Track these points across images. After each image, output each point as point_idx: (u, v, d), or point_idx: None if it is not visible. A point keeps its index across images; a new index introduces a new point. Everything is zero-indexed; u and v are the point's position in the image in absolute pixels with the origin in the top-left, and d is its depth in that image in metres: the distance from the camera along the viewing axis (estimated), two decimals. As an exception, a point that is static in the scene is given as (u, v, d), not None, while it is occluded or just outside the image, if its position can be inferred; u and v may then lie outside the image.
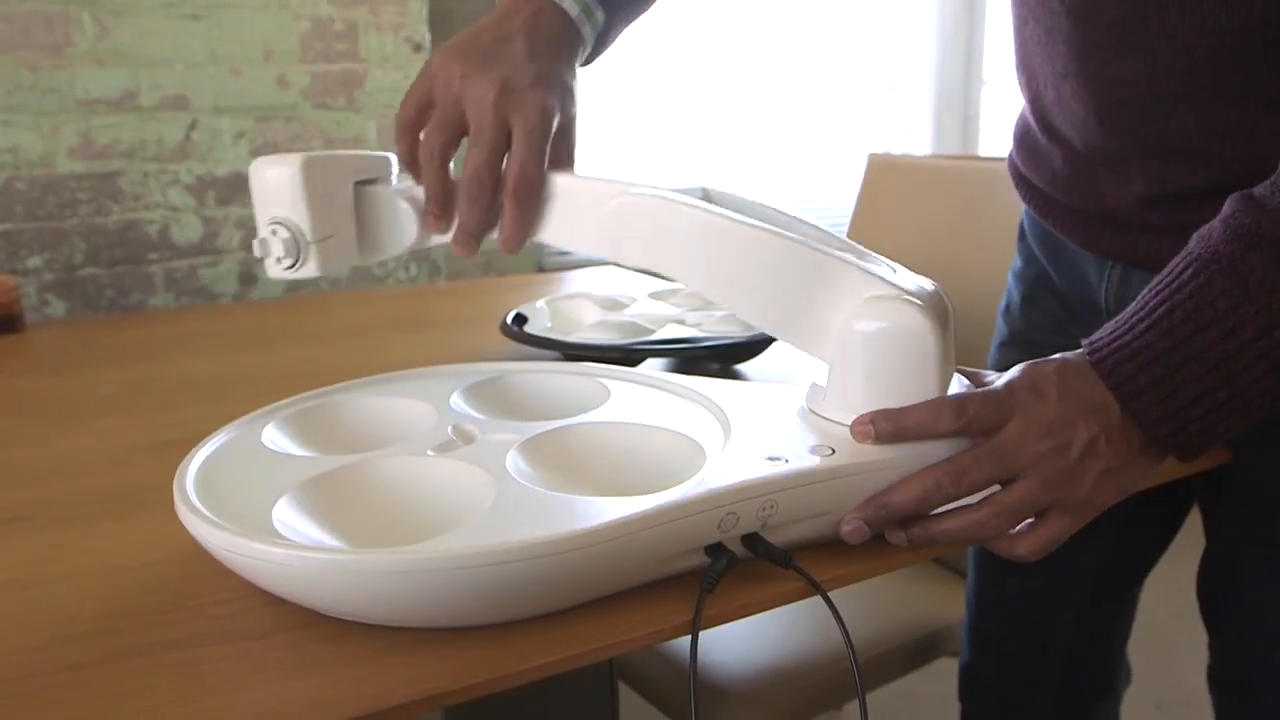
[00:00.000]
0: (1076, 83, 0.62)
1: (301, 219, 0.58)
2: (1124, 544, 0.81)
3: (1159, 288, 0.50)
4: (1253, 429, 0.52)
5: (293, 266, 0.59)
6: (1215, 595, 0.71)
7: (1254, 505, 0.66)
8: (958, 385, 0.52)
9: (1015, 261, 0.82)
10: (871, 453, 0.48)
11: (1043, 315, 0.79)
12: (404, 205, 0.60)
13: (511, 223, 0.56)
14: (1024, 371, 0.50)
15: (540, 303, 0.98)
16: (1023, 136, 0.74)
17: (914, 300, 0.49)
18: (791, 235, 0.51)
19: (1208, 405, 0.48)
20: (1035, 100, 0.69)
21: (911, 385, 0.49)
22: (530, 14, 0.58)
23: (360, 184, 0.60)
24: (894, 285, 0.50)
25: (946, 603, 1.05)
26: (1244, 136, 0.57)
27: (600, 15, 0.62)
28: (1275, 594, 0.65)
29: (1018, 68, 0.69)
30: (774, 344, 0.85)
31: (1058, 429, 0.48)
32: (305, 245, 0.58)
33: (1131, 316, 0.50)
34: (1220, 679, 0.72)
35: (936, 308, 0.50)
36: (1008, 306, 0.83)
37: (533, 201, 0.56)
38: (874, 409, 0.49)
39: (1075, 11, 0.59)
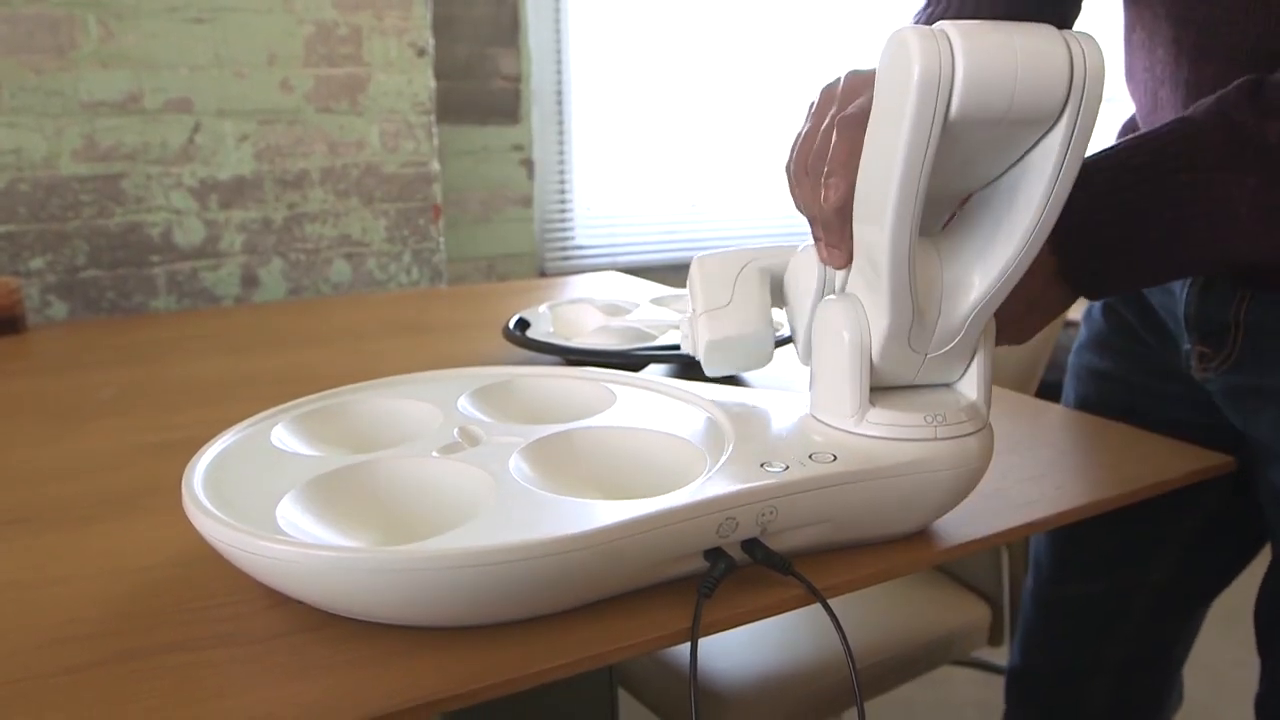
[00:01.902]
0: (1169, 89, 0.63)
1: (694, 299, 0.60)
2: (1194, 563, 0.79)
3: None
4: None
5: (692, 346, 0.61)
6: (1273, 622, 0.70)
7: None
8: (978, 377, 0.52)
9: None
10: (874, 460, 0.48)
11: (1117, 319, 0.78)
12: (804, 256, 0.56)
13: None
14: None
15: (543, 308, 0.98)
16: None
17: (836, 302, 0.50)
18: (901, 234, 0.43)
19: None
20: (1139, 107, 0.70)
21: (838, 379, 0.50)
22: None
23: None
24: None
25: (947, 611, 1.05)
26: None
27: None
28: None
29: (1126, 75, 0.70)
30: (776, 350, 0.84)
31: None
32: (695, 318, 0.60)
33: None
34: (1269, 707, 0.70)
35: (855, 312, 0.49)
36: (1090, 310, 0.82)
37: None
38: (814, 398, 0.52)
39: (1172, 14, 0.60)
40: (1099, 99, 0.41)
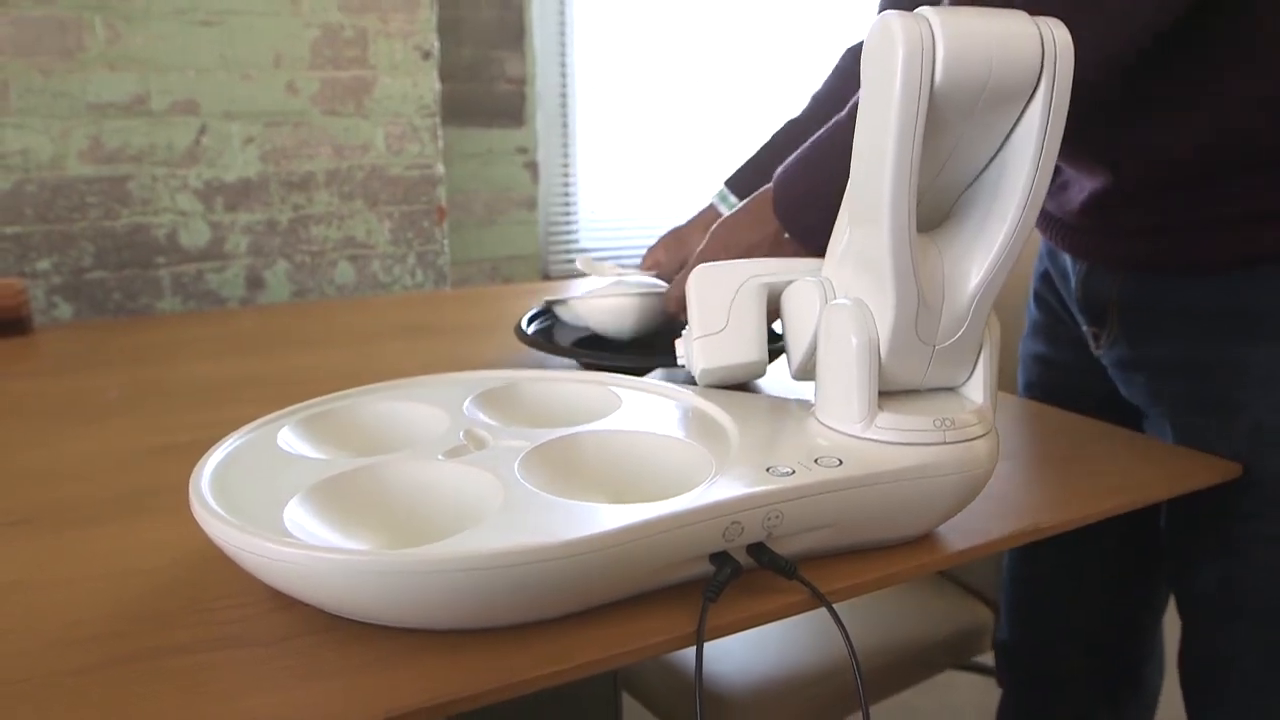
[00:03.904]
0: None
1: (691, 316, 0.61)
2: (1138, 525, 0.82)
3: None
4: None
5: (688, 363, 0.62)
6: (1174, 549, 0.76)
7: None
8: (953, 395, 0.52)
9: (1036, 264, 0.89)
10: (879, 464, 0.48)
11: (1046, 307, 0.86)
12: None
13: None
14: None
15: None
16: None
17: (844, 307, 0.50)
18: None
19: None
20: None
21: (846, 383, 0.50)
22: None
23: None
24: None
25: (949, 615, 1.05)
26: (1139, 148, 0.64)
27: (734, 199, 1.01)
28: (1206, 587, 0.71)
29: None
30: (783, 355, 0.85)
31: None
32: (690, 340, 0.61)
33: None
34: (1188, 663, 0.75)
35: (862, 318, 0.49)
36: (1029, 303, 0.90)
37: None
38: (820, 403, 0.52)
39: None
40: (1070, 75, 0.43)
